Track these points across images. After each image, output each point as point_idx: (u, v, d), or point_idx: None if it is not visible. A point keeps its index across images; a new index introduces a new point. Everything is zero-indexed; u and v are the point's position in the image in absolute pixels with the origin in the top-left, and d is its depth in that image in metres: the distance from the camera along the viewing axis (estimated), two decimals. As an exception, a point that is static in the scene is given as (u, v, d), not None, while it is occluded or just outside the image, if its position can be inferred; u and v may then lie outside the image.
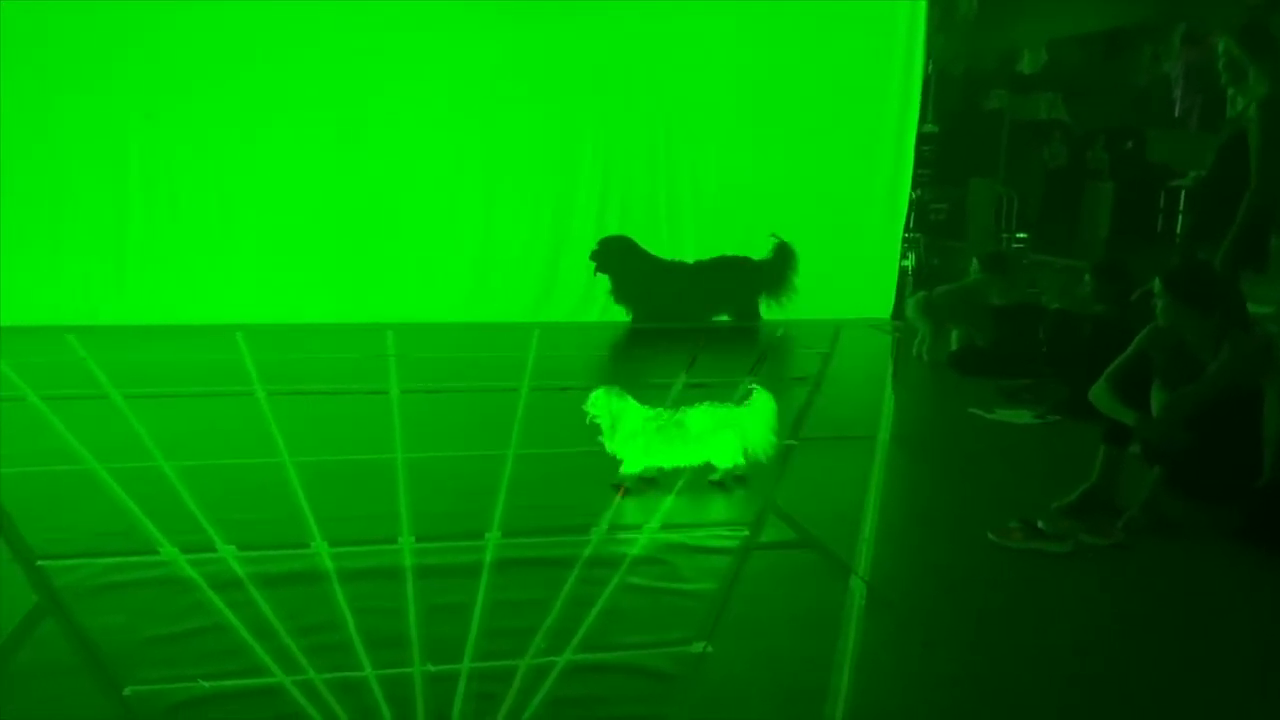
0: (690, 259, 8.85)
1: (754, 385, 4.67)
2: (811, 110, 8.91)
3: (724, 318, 8.89)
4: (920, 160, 9.70)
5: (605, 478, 4.54)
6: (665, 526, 4.11)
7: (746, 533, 4.07)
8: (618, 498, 4.40)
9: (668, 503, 4.37)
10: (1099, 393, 4.42)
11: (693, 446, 4.50)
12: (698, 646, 3.15)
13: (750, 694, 2.96)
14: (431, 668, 2.99)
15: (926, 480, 5.09)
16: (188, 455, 4.79)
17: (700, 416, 4.51)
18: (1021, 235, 11.00)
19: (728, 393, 4.83)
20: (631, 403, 4.51)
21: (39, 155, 7.89)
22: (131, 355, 6.96)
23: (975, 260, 7.72)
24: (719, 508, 4.41)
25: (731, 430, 4.53)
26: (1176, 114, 11.23)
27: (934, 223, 10.89)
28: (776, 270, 8.74)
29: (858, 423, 5.81)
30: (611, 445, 4.49)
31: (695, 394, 5.04)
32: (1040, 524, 4.10)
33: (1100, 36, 12.66)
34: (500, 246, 8.67)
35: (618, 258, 8.56)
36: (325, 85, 8.22)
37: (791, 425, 5.60)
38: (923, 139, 9.71)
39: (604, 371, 7.33)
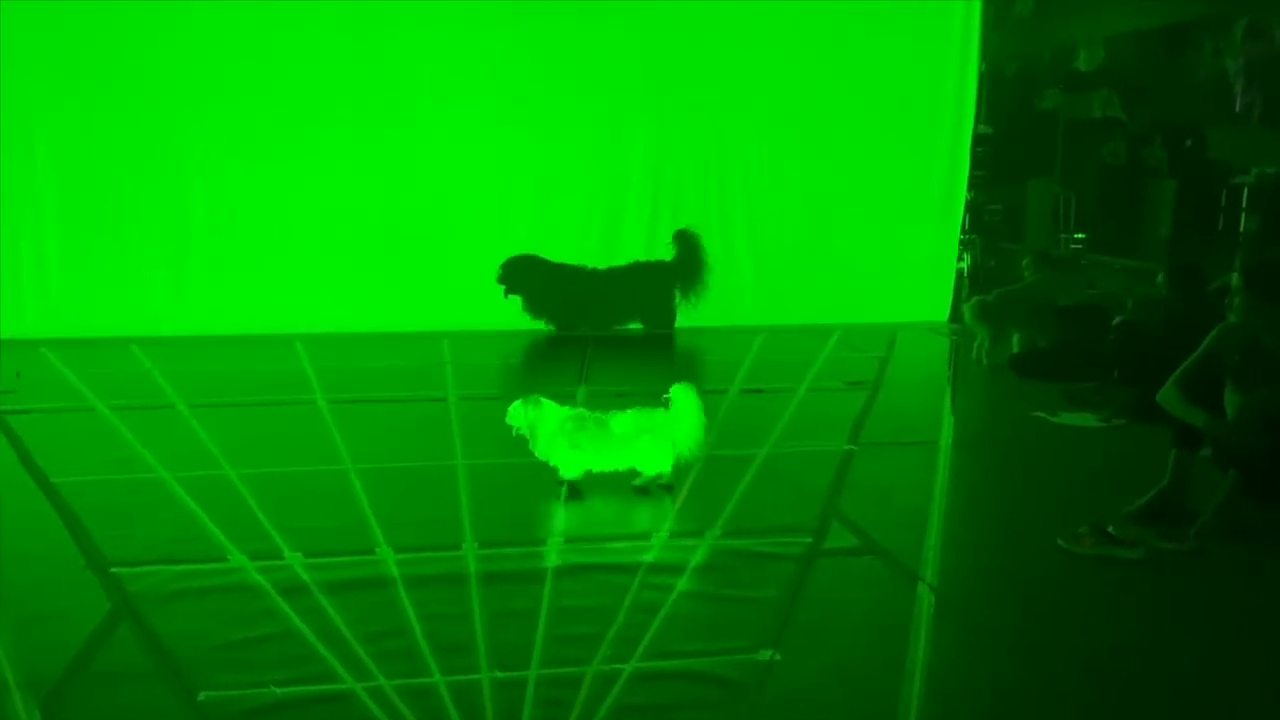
0: (745, 264, 8.81)
1: (676, 387, 4.61)
2: (866, 112, 8.87)
3: (636, 325, 8.81)
4: (975, 161, 9.61)
5: (674, 483, 4.54)
6: (726, 533, 4.09)
7: (809, 539, 4.03)
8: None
9: (728, 509, 4.34)
10: (1168, 395, 4.32)
11: (619, 450, 4.48)
12: (764, 654, 3.12)
13: (820, 702, 2.92)
14: (499, 674, 2.99)
15: (992, 485, 5.01)
16: (252, 463, 4.86)
17: (625, 420, 4.49)
18: (1080, 235, 10.82)
19: (653, 399, 4.70)
20: (548, 406, 4.50)
21: (103, 174, 8.09)
22: (195, 365, 7.09)
23: (1026, 260, 7.62)
24: (779, 514, 4.37)
25: (657, 435, 4.50)
26: (1237, 110, 10.97)
27: (990, 224, 10.75)
28: (685, 267, 8.62)
29: (918, 428, 5.74)
30: (538, 451, 4.49)
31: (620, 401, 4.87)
32: (1111, 529, 4.02)
33: (1159, 32, 12.41)
34: (552, 255, 8.69)
35: (523, 274, 8.47)
36: (380, 97, 8.33)
37: (850, 430, 5.56)
38: (977, 140, 9.61)
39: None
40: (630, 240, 8.79)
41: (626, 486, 4.57)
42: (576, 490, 4.52)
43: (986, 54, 9.54)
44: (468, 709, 2.81)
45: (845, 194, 8.90)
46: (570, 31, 8.48)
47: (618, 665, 3.04)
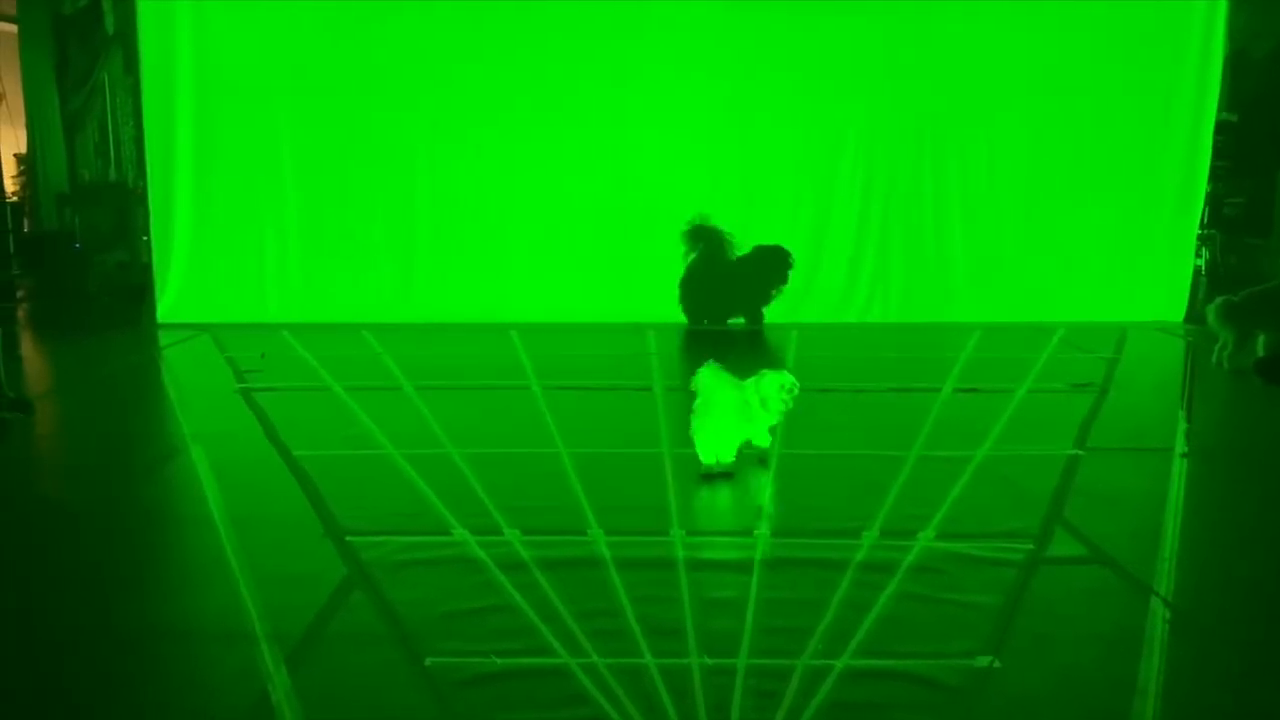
0: (959, 256, 8.54)
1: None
2: (1096, 97, 8.40)
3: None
4: (1217, 151, 8.90)
5: (872, 479, 4.46)
6: (941, 535, 3.96)
7: (1031, 546, 3.85)
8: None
9: (942, 511, 4.20)
10: None
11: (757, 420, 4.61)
12: (984, 660, 3.00)
13: (1044, 714, 2.79)
14: (709, 660, 3.00)
15: (1233, 496, 4.64)
16: (473, 443, 5.08)
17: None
18: (1337, 231, 9.86)
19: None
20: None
21: (339, 173, 8.66)
22: (420, 350, 7.48)
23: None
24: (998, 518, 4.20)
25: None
26: None
27: (1231, 218, 9.95)
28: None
29: (1150, 433, 5.38)
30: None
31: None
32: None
33: None
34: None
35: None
36: (596, 92, 8.54)
37: (1076, 434, 5.28)
38: (1220, 127, 8.90)
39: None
40: (839, 235, 8.65)
41: (836, 479, 4.51)
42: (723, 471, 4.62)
43: (1233, 33, 8.82)
44: (678, 693, 2.84)
45: (1072, 184, 8.46)
46: (780, 21, 8.42)
47: (829, 661, 3.00)
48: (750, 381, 4.63)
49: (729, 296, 8.54)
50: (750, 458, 4.75)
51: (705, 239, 8.37)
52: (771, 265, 8.40)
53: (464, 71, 8.48)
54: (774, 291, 8.49)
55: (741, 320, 8.63)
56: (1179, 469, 4.79)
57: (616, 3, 8.43)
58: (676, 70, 8.52)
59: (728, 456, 4.63)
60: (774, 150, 8.62)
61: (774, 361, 6.49)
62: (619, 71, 8.49)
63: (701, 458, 4.63)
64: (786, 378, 4.62)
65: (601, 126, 8.56)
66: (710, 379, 4.63)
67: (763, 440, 4.71)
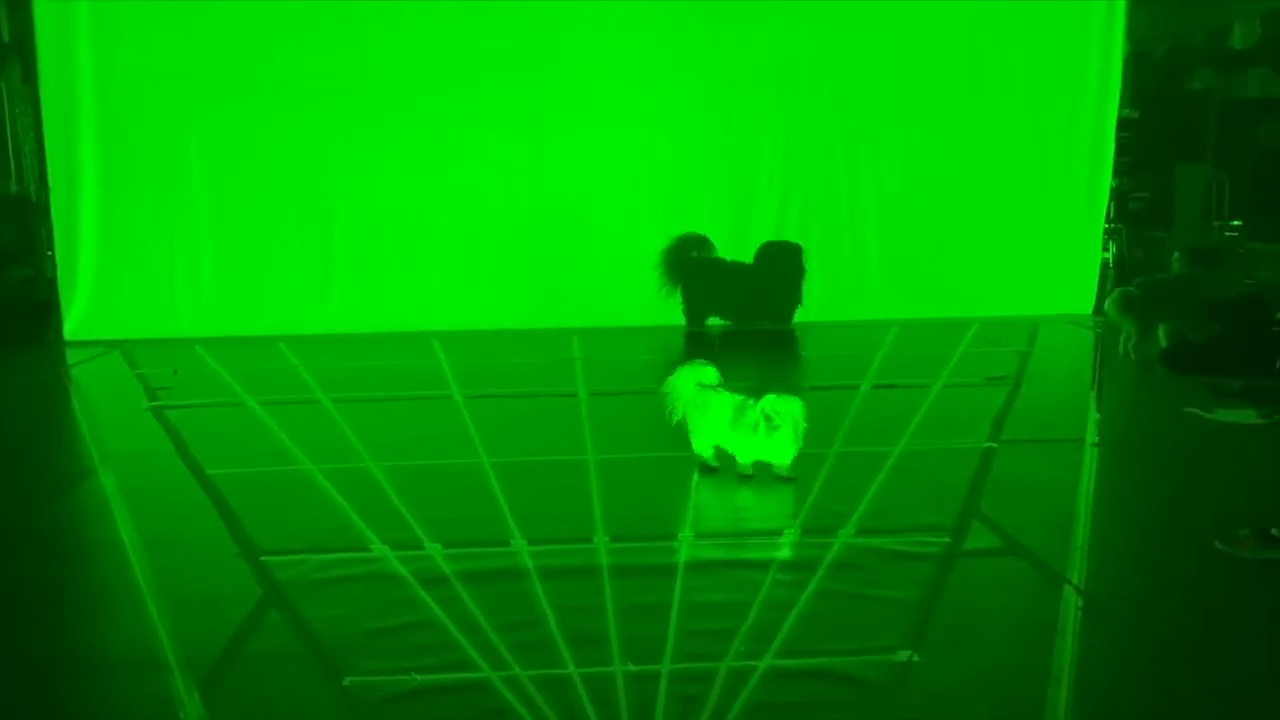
0: (875, 255, 8.65)
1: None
2: (1002, 97, 8.61)
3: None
4: (1120, 147, 9.19)
5: (799, 479, 4.49)
6: (861, 531, 4.01)
7: (948, 539, 3.92)
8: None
9: (861, 507, 4.25)
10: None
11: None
12: (903, 655, 3.04)
13: (962, 705, 2.83)
14: (632, 667, 3.00)
15: (1142, 485, 4.79)
16: (393, 456, 5.01)
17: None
18: (1235, 222, 10.24)
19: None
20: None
21: (251, 183, 8.46)
22: (338, 362, 7.35)
23: (1177, 254, 7.25)
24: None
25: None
26: None
27: (1136, 213, 10.28)
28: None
29: (1062, 424, 5.53)
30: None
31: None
32: (1274, 531, 3.78)
33: (1322, 4, 11.65)
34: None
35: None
36: (510, 97, 8.47)
37: (991, 427, 5.39)
38: (1122, 124, 9.19)
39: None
40: (757, 238, 8.71)
41: (756, 481, 4.54)
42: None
43: (1132, 34, 9.12)
44: (601, 701, 2.83)
45: (981, 182, 8.65)
46: (699, 27, 8.47)
47: (751, 662, 3.01)
48: (760, 400, 4.43)
49: (755, 297, 8.52)
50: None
51: (698, 246, 8.37)
52: (791, 262, 8.43)
53: (376, 76, 8.36)
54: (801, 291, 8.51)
55: (718, 321, 8.62)
56: (1090, 459, 4.93)
57: (531, 5, 8.38)
58: (594, 73, 8.52)
59: (710, 453, 4.63)
60: (690, 152, 8.66)
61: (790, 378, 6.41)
62: (535, 74, 8.45)
63: (699, 451, 4.64)
64: (795, 404, 4.43)
65: (516, 130, 8.51)
66: (701, 379, 4.61)
67: (782, 458, 4.50)
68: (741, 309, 8.51)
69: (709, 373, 4.69)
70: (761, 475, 4.57)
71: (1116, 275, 9.15)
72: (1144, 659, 3.07)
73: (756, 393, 4.52)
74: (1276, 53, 11.45)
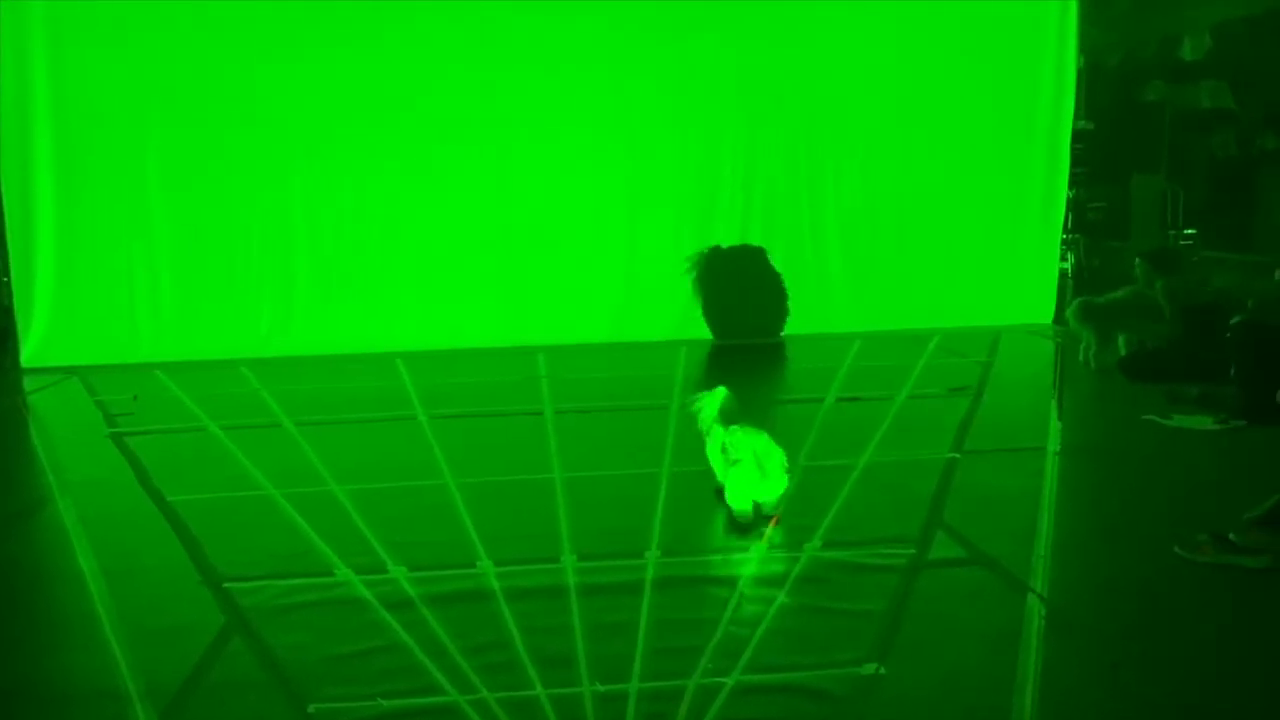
0: (838, 268, 8.73)
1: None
2: (959, 109, 8.70)
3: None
4: (1076, 158, 9.33)
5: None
6: (827, 545, 4.02)
7: (913, 550, 3.95)
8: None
9: (827, 521, 4.27)
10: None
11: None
12: (869, 668, 3.06)
13: (928, 716, 2.85)
14: (600, 687, 2.99)
15: (1103, 492, 4.85)
16: (356, 479, 4.96)
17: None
18: (1189, 231, 10.43)
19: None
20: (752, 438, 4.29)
21: (210, 204, 8.32)
22: (300, 385, 7.27)
23: (1139, 260, 7.36)
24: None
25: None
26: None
27: (1093, 222, 10.43)
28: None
29: (1024, 433, 5.58)
30: (732, 476, 4.28)
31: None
32: (1232, 537, 3.84)
33: (1270, 16, 11.90)
34: (644, 266, 8.69)
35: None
36: (469, 112, 8.41)
37: (954, 437, 5.44)
38: (1077, 136, 9.33)
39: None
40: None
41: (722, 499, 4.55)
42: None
43: (1085, 46, 9.27)
44: (570, 722, 2.82)
45: (940, 195, 8.73)
46: (659, 39, 8.49)
47: (719, 679, 3.01)
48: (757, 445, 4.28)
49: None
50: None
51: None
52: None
53: (334, 96, 8.27)
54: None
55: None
56: (1052, 467, 4.98)
57: (489, 20, 8.37)
58: (553, 89, 8.48)
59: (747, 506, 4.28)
60: (652, 166, 8.67)
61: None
62: (494, 90, 8.40)
63: (739, 507, 4.26)
64: (758, 438, 4.30)
65: (476, 147, 8.46)
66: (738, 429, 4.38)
67: (770, 497, 4.30)
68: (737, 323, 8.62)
69: (721, 398, 4.53)
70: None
71: (1075, 285, 9.27)
72: (1107, 664, 3.10)
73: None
74: (1227, 64, 11.71)
